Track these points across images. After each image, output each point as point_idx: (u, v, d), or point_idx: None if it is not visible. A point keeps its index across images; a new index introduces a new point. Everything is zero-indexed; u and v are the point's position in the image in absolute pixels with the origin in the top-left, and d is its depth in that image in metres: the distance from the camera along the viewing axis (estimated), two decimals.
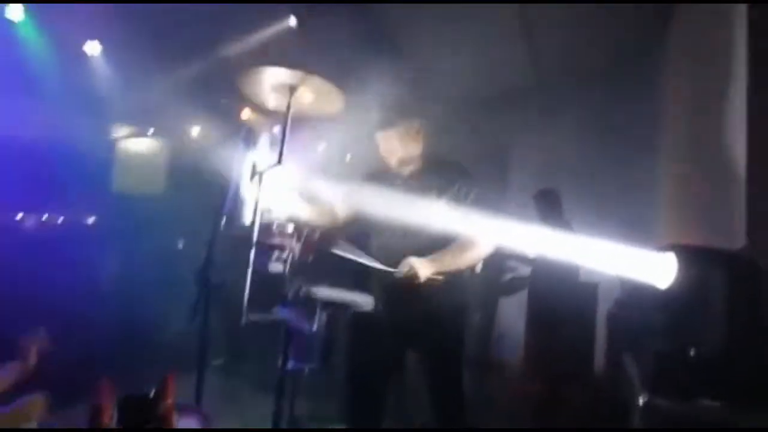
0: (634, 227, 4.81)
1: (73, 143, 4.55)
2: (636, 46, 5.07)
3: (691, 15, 3.54)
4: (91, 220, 5.21)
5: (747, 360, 1.76)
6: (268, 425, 2.23)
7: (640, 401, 1.66)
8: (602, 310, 4.62)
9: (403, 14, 4.67)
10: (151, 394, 1.36)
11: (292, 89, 1.76)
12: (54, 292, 3.90)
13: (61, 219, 5.03)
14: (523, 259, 3.85)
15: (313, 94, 1.83)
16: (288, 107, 1.80)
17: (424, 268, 1.86)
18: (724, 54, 2.70)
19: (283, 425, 2.39)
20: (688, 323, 1.84)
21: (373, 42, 4.89)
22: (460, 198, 2.00)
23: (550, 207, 3.96)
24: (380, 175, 2.17)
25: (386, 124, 2.02)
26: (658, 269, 2.15)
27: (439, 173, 2.08)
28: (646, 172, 5.35)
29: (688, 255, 1.97)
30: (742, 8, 2.25)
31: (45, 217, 4.95)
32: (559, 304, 3.91)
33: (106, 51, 4.70)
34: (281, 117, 1.83)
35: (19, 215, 4.68)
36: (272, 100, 1.88)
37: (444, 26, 4.66)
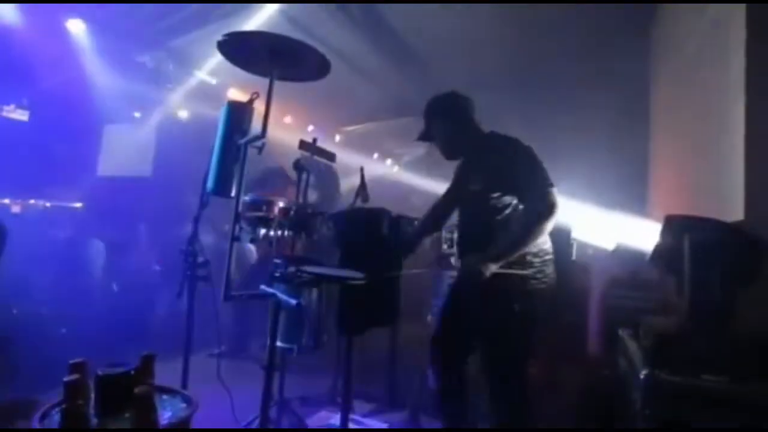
0: (629, 203, 4.81)
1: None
2: (627, 21, 4.99)
3: None
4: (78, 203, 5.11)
5: (747, 333, 1.72)
6: (257, 409, 2.16)
7: (642, 376, 1.61)
8: (595, 288, 4.60)
9: None
10: (131, 374, 1.29)
11: (273, 53, 1.65)
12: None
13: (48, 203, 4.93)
14: None
15: (297, 59, 1.73)
16: (271, 75, 1.70)
17: (485, 267, 1.79)
18: (720, 25, 2.65)
19: (273, 408, 2.34)
20: (687, 297, 1.79)
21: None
22: (501, 169, 1.93)
23: None
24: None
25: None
26: (652, 239, 2.10)
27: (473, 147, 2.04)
28: (640, 147, 5.30)
29: (686, 227, 1.92)
30: None
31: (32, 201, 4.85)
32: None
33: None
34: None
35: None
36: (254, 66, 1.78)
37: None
